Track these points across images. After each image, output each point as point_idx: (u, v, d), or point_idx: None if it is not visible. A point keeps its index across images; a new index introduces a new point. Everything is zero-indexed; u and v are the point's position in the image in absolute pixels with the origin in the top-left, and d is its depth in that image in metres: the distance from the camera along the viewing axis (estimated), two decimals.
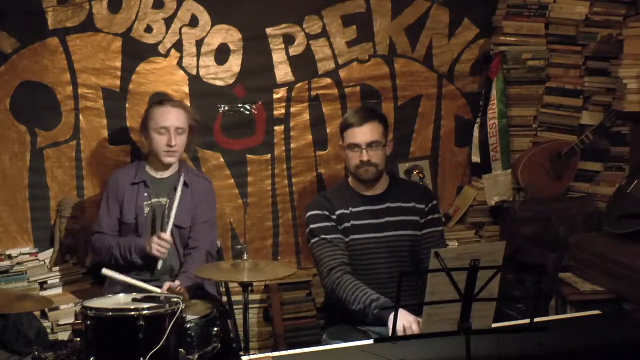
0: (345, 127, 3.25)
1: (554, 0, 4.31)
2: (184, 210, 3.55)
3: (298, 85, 4.18)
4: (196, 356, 2.88)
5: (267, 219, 4.24)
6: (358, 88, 4.25)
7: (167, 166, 3.59)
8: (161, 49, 4.02)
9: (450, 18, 4.30)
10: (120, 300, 3.04)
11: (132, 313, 2.77)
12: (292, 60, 4.15)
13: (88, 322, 2.79)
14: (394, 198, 3.28)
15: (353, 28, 4.21)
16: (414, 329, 2.74)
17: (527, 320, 2.43)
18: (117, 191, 3.57)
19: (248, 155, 4.19)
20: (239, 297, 3.20)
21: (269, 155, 4.21)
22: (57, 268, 3.93)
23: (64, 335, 3.82)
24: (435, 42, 4.30)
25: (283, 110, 4.19)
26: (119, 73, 3.99)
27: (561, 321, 3.00)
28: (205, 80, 4.08)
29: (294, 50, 4.15)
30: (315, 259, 3.23)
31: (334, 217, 3.22)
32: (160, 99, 3.71)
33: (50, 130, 3.96)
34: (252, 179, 4.21)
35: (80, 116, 3.98)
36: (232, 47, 4.08)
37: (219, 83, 4.10)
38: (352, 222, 3.22)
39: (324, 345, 2.87)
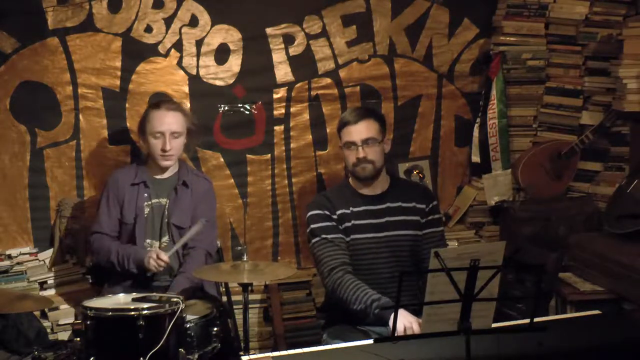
0: (341, 126, 3.27)
1: (554, 0, 4.31)
2: (184, 210, 3.55)
3: (298, 85, 4.18)
4: (196, 356, 2.88)
5: (267, 219, 4.24)
6: (358, 88, 4.25)
7: (165, 168, 3.58)
8: (161, 49, 4.02)
9: (450, 18, 4.30)
10: (120, 300, 3.03)
11: (132, 313, 2.77)
12: (292, 60, 4.15)
13: (88, 322, 2.79)
14: (395, 198, 3.29)
15: (353, 28, 4.21)
16: (415, 329, 2.74)
17: (527, 320, 2.43)
18: (117, 191, 3.57)
19: (248, 155, 4.19)
20: (239, 297, 3.20)
21: (269, 155, 4.21)
22: (57, 268, 3.93)
23: (64, 335, 3.82)
24: (435, 42, 4.30)
25: (283, 110, 4.19)
26: (119, 73, 3.99)
27: (561, 321, 3.00)
28: (205, 80, 4.08)
29: (294, 50, 4.15)
30: (316, 259, 3.23)
31: (334, 217, 3.22)
32: (157, 102, 3.67)
33: (50, 130, 3.96)
34: (252, 179, 4.21)
35: (80, 116, 3.98)
36: (232, 47, 4.08)
37: (219, 83, 4.10)
38: (352, 221, 3.22)
39: (324, 345, 2.87)
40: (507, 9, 4.29)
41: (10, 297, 2.99)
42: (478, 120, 4.36)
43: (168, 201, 3.56)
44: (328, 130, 4.23)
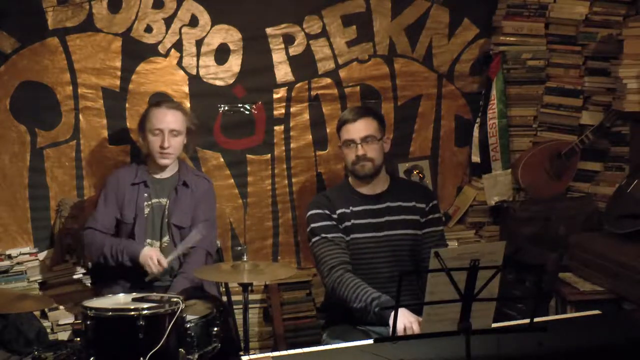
0: (341, 124, 3.28)
1: (554, 0, 4.31)
2: (184, 210, 3.55)
3: (298, 85, 4.18)
4: (196, 356, 2.88)
5: (267, 219, 4.24)
6: (358, 88, 4.25)
7: (164, 167, 3.58)
8: (161, 49, 4.02)
9: (450, 18, 4.30)
10: (120, 300, 3.03)
11: (132, 313, 2.77)
12: (292, 60, 4.15)
13: (88, 322, 2.79)
14: (395, 197, 3.29)
15: (353, 28, 4.21)
16: (415, 328, 2.74)
17: (527, 320, 2.43)
18: (117, 191, 3.57)
19: (248, 155, 4.19)
20: (239, 297, 3.20)
21: (269, 155, 4.21)
22: (57, 268, 3.93)
23: (64, 335, 3.83)
24: (435, 42, 4.30)
25: (283, 110, 4.19)
26: (119, 73, 3.99)
27: (561, 321, 3.00)
28: (205, 80, 4.08)
29: (294, 50, 4.15)
30: (316, 258, 3.23)
31: (334, 216, 3.22)
32: (158, 101, 3.71)
33: (50, 130, 3.96)
34: (252, 179, 4.21)
35: (80, 116, 3.98)
36: (232, 47, 4.08)
37: (219, 83, 4.10)
38: (352, 221, 3.22)
39: (324, 345, 2.87)
40: (507, 9, 4.29)
41: (10, 297, 2.99)
42: (478, 120, 4.36)
43: (168, 201, 3.56)
44: (328, 130, 4.23)
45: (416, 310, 2.83)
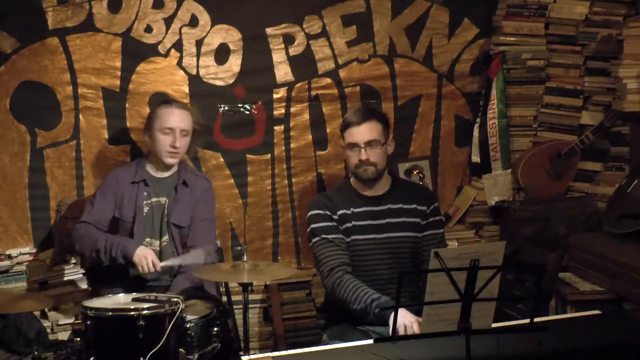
0: (344, 126, 3.26)
1: (554, 0, 4.31)
2: (183, 210, 3.55)
3: (298, 85, 4.18)
4: (196, 356, 2.87)
5: (267, 219, 4.24)
6: (358, 88, 4.25)
7: (168, 166, 3.58)
8: (161, 49, 4.02)
9: (450, 18, 4.30)
10: (120, 300, 3.03)
11: (132, 313, 2.76)
12: (292, 60, 4.15)
13: (88, 322, 2.79)
14: (396, 199, 3.28)
15: (353, 28, 4.21)
16: (415, 329, 2.74)
17: (527, 320, 2.43)
18: (116, 189, 3.55)
19: (248, 155, 4.19)
20: (239, 297, 3.20)
21: (269, 155, 4.21)
22: (57, 268, 3.93)
23: (64, 335, 3.82)
24: (435, 42, 4.30)
25: (283, 110, 4.19)
26: (119, 73, 3.99)
27: (561, 321, 2.99)
28: (205, 80, 4.08)
29: (294, 50, 4.15)
30: (316, 259, 3.23)
31: (335, 217, 3.22)
32: (167, 100, 3.71)
33: (50, 130, 3.96)
34: (252, 179, 4.21)
35: (80, 116, 3.98)
36: (232, 47, 4.08)
37: (219, 83, 4.10)
38: (353, 222, 3.22)
39: (324, 345, 2.87)
40: (507, 9, 4.29)
41: (10, 297, 2.99)
42: (478, 120, 4.36)
43: (168, 200, 3.56)
44: (328, 130, 4.23)
45: (416, 311, 2.83)
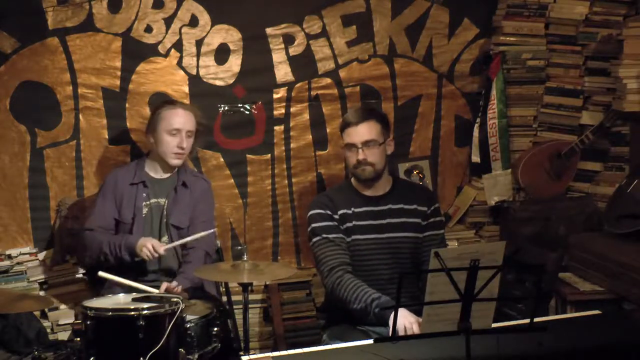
0: (343, 127, 3.26)
1: (554, 0, 4.31)
2: (183, 211, 3.55)
3: (298, 85, 4.18)
4: (196, 356, 2.88)
5: (267, 219, 4.24)
6: (358, 88, 4.25)
7: (169, 167, 3.58)
8: (161, 49, 4.02)
9: (450, 18, 4.30)
10: (120, 300, 3.03)
11: (132, 313, 2.77)
12: (292, 60, 4.15)
13: (88, 322, 2.79)
14: (396, 199, 3.28)
15: (353, 28, 4.21)
16: (415, 329, 2.74)
17: (527, 320, 2.43)
18: (115, 191, 3.56)
19: (248, 155, 4.19)
20: (239, 297, 3.20)
21: (269, 155, 4.21)
22: (57, 268, 3.93)
23: (64, 335, 3.82)
24: (435, 42, 4.30)
25: (283, 110, 4.19)
26: (119, 73, 3.99)
27: (561, 321, 3.00)
28: (205, 80, 4.08)
29: (294, 50, 4.15)
30: (316, 258, 3.23)
31: (336, 216, 3.22)
32: (170, 100, 3.71)
33: (50, 130, 3.96)
34: (252, 179, 4.21)
35: (80, 116, 3.98)
36: (232, 47, 4.08)
37: (219, 83, 4.10)
38: (354, 222, 3.22)
39: (324, 345, 2.87)
40: (507, 9, 4.29)
41: (10, 297, 2.98)
42: (478, 120, 4.36)
43: (167, 201, 3.56)
44: (328, 130, 4.23)
45: (416, 311, 2.83)
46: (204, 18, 4.03)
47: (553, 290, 3.90)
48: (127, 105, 4.02)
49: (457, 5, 4.29)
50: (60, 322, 3.84)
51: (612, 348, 2.60)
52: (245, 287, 3.03)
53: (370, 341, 2.60)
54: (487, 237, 4.42)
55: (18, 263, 3.88)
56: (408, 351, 2.48)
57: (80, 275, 3.97)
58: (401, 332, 2.74)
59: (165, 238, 3.54)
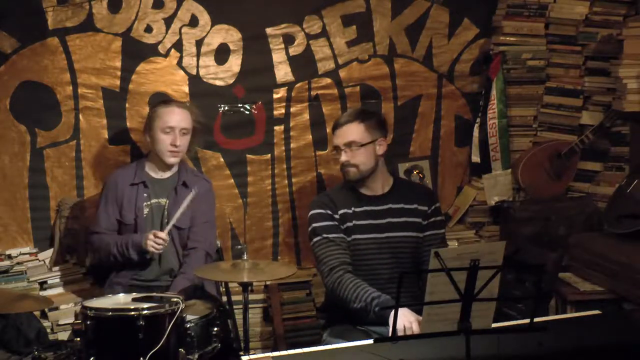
0: (332, 129, 3.31)
1: (554, 0, 4.31)
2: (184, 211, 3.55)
3: (298, 85, 4.18)
4: (196, 356, 2.87)
5: (267, 219, 4.24)
6: (358, 88, 4.25)
7: (168, 166, 3.59)
8: (161, 49, 4.02)
9: (450, 18, 4.30)
10: (120, 300, 3.03)
11: (132, 313, 2.76)
12: (292, 60, 4.15)
13: (88, 322, 2.79)
14: (397, 199, 3.28)
15: (353, 28, 4.21)
16: (415, 328, 2.74)
17: (527, 320, 2.43)
18: (116, 192, 3.57)
19: (248, 155, 4.19)
20: (239, 297, 3.20)
21: (269, 155, 4.21)
22: (57, 268, 3.93)
23: (64, 335, 3.82)
24: (435, 42, 4.30)
25: (283, 110, 4.19)
26: (119, 73, 3.99)
27: (561, 321, 3.00)
28: (205, 80, 4.08)
29: (294, 50, 4.15)
30: (316, 258, 3.23)
31: (336, 216, 3.22)
32: (165, 100, 3.73)
33: (50, 130, 3.96)
34: (252, 179, 4.21)
35: (80, 116, 3.98)
36: (232, 47, 4.08)
37: (219, 83, 4.10)
38: (354, 222, 3.22)
39: (324, 345, 2.87)
40: (507, 9, 4.29)
41: (10, 297, 2.99)
42: (478, 120, 4.36)
43: (168, 201, 3.56)
44: (328, 130, 4.22)
45: (416, 311, 2.83)
46: (204, 18, 4.03)
47: (553, 290, 3.90)
48: (127, 105, 4.02)
49: (457, 5, 4.29)
50: (60, 322, 3.84)
51: (612, 348, 2.60)
52: (246, 287, 3.03)
53: (370, 341, 2.60)
54: (487, 237, 4.42)
55: (18, 263, 3.88)
56: (408, 351, 2.47)
57: (81, 275, 3.97)
58: (401, 332, 2.73)
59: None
